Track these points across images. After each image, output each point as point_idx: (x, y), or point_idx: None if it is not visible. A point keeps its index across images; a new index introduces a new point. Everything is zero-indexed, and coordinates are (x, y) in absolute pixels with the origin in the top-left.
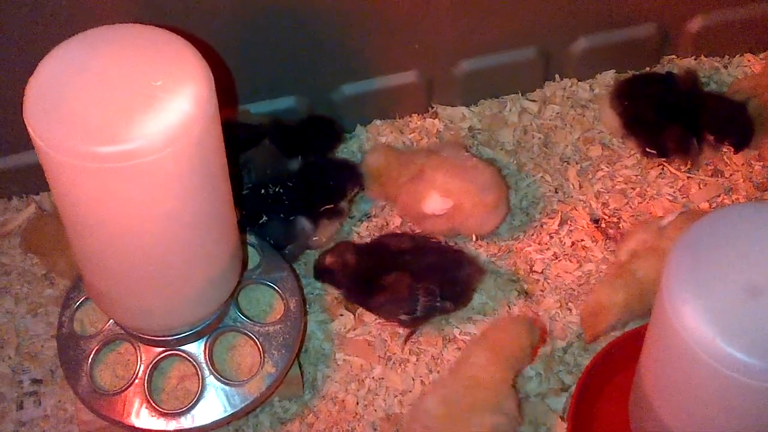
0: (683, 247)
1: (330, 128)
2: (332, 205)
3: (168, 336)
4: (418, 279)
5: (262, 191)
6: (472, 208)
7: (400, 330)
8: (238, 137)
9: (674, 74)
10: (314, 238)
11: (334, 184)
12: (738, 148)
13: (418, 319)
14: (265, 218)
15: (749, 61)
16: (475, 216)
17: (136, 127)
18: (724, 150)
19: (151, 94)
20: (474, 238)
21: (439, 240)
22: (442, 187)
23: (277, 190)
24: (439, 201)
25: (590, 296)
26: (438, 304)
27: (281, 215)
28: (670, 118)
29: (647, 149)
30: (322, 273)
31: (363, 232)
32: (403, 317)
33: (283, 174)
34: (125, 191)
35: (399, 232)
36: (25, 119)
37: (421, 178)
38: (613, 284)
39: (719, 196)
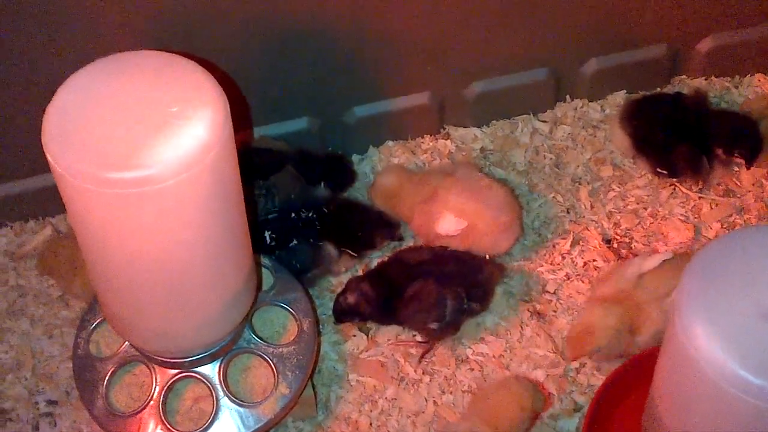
0: (695, 270)
1: (344, 168)
2: (356, 255)
3: (183, 358)
4: (441, 286)
5: (293, 215)
6: (486, 228)
7: (413, 351)
8: (261, 163)
9: (683, 94)
10: (335, 267)
11: (362, 236)
12: (749, 159)
13: (448, 326)
14: (295, 242)
15: (760, 81)
16: (489, 237)
17: (152, 153)
18: (735, 168)
19: (166, 120)
20: (487, 258)
21: (456, 249)
22: (457, 207)
23: (309, 215)
24: (453, 222)
25: (582, 315)
26: (466, 306)
27: (310, 240)
28: (679, 137)
29: (658, 169)
30: (346, 314)
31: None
32: (433, 325)
33: (311, 198)
34: (141, 216)
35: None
36: (43, 144)
37: (435, 199)
38: (605, 307)
39: (731, 215)
